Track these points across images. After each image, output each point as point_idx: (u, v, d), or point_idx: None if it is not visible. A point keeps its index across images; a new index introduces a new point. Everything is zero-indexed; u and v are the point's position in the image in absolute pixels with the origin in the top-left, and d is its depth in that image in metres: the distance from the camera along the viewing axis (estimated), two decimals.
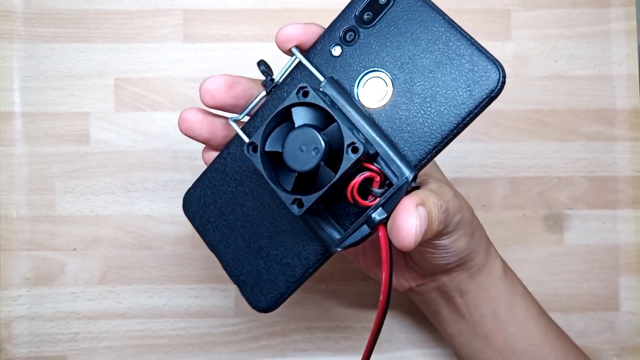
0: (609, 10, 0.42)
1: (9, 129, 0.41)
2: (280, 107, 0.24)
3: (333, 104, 0.24)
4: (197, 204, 0.29)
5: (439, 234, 0.27)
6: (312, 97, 0.24)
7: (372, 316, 0.41)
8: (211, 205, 0.28)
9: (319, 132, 0.23)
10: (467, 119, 0.23)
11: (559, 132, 0.42)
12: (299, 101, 0.24)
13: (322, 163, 0.23)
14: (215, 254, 0.28)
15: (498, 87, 0.23)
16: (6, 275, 0.40)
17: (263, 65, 0.27)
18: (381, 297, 0.24)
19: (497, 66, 0.23)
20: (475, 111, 0.23)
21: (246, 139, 0.26)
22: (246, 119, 0.28)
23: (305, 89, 0.24)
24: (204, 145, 0.29)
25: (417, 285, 0.33)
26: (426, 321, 0.41)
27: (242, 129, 0.27)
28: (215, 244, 0.28)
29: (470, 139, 0.42)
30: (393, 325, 0.41)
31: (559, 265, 0.41)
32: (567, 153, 0.42)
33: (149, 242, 0.41)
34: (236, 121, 0.27)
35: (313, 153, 0.23)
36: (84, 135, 0.41)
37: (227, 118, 0.28)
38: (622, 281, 0.41)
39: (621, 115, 0.42)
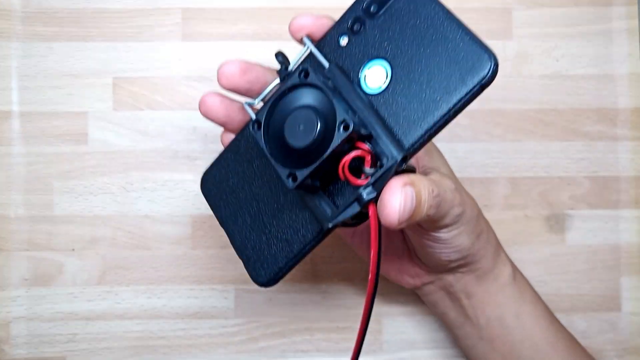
0: (610, 9, 0.42)
1: (7, 129, 0.41)
2: (284, 88, 0.26)
3: (335, 88, 0.26)
4: (212, 182, 0.31)
5: (435, 223, 0.27)
6: (312, 78, 0.25)
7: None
8: (224, 184, 0.30)
9: (317, 112, 0.25)
10: (458, 105, 0.24)
11: (561, 132, 0.41)
12: (300, 82, 0.26)
13: (317, 140, 0.24)
14: (225, 229, 0.30)
15: (489, 75, 0.24)
16: (4, 276, 0.40)
17: (281, 56, 0.28)
18: (370, 276, 0.25)
19: (489, 55, 0.24)
20: (467, 98, 0.24)
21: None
22: (261, 104, 0.29)
23: (307, 71, 0.26)
24: (214, 136, 0.32)
25: (423, 284, 0.33)
26: (427, 323, 0.40)
27: (256, 114, 0.28)
28: (226, 220, 0.30)
29: (472, 139, 0.41)
30: (393, 326, 0.41)
31: (560, 266, 0.41)
32: (568, 153, 0.41)
33: (147, 243, 0.41)
34: (251, 106, 0.29)
35: (310, 131, 0.24)
36: (82, 134, 0.41)
37: (242, 103, 0.29)
38: (624, 281, 0.41)
39: (623, 115, 0.42)
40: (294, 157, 0.25)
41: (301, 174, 0.25)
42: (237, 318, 0.40)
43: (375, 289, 0.26)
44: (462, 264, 0.31)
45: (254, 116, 0.28)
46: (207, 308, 0.41)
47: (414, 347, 0.41)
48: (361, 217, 0.26)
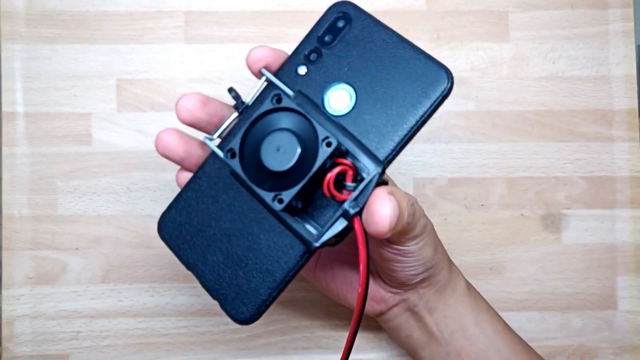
0: (607, 12, 0.42)
1: (12, 130, 0.41)
2: (256, 114, 0.26)
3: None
4: (173, 225, 0.29)
5: (406, 235, 0.28)
6: (286, 102, 0.26)
7: None
8: (187, 225, 0.29)
9: (294, 133, 0.25)
10: (425, 116, 0.26)
11: (557, 133, 0.42)
12: (273, 107, 0.26)
13: (298, 161, 0.25)
14: (193, 272, 0.28)
15: (448, 87, 0.26)
16: (9, 275, 0.41)
17: (233, 92, 0.28)
18: (359, 290, 0.26)
19: (445, 70, 0.26)
20: (431, 109, 0.26)
21: (221, 154, 0.27)
22: (219, 140, 0.29)
23: (279, 95, 0.26)
24: None
25: (389, 308, 0.34)
26: None
27: (226, 144, 0.28)
28: (193, 262, 0.28)
29: (469, 140, 0.42)
30: None
31: (556, 265, 0.42)
32: (565, 153, 0.42)
33: (150, 242, 0.41)
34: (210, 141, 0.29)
35: (290, 152, 0.25)
36: (86, 135, 0.41)
37: (201, 140, 0.29)
38: (620, 280, 0.41)
39: (619, 116, 0.42)
40: (274, 182, 0.25)
41: (287, 194, 0.25)
42: None
43: (364, 303, 0.26)
44: (425, 278, 0.31)
45: (216, 149, 0.27)
46: (210, 306, 0.41)
47: None
48: (341, 235, 0.26)
